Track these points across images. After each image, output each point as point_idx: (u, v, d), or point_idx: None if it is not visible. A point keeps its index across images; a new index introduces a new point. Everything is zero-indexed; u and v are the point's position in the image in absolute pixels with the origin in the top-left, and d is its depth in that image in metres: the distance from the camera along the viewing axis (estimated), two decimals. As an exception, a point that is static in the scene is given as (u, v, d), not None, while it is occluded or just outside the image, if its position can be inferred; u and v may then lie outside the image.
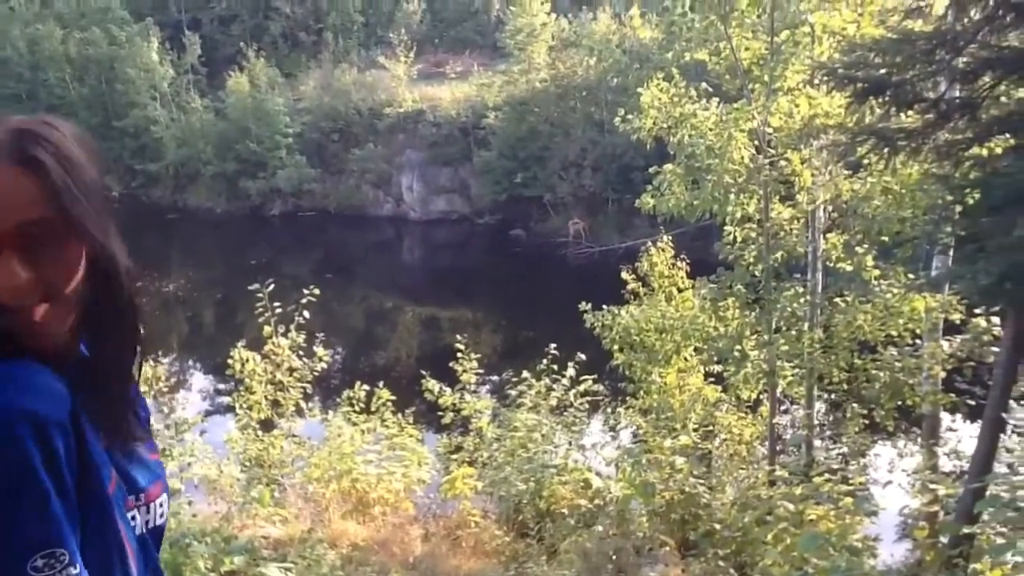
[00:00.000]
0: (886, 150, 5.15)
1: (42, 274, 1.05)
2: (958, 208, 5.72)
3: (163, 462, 1.31)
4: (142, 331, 1.21)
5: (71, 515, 1.04)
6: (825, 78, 5.30)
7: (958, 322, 8.09)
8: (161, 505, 1.26)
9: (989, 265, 4.82)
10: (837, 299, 8.44)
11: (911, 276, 7.98)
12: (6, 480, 0.99)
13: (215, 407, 17.03)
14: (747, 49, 8.26)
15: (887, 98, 4.98)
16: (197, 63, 41.17)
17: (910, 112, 5.36)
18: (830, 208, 8.62)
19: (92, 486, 1.09)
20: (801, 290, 8.48)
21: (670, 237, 10.73)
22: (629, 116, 8.87)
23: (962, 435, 9.54)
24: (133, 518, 1.19)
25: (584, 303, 9.99)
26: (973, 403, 8.25)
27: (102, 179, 1.14)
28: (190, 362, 24.32)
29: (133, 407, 1.25)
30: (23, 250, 1.03)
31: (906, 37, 4.97)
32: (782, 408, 9.57)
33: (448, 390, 9.24)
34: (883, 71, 5.01)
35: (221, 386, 18.77)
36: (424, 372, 9.45)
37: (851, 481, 6.58)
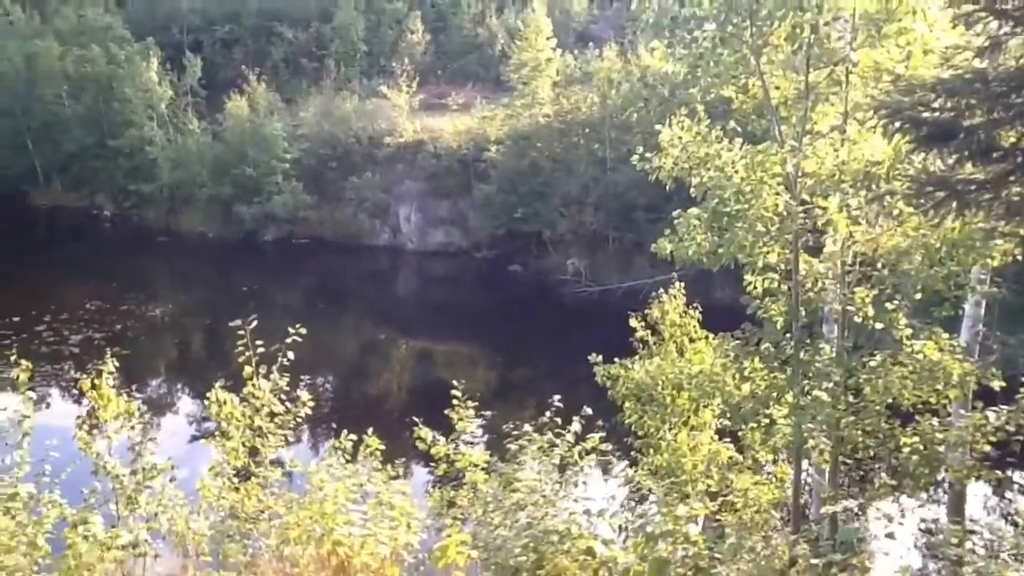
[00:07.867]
0: (954, 203, 4.57)
1: None
2: None
3: None
4: None
5: None
6: (886, 118, 4.73)
7: (997, 389, 7.53)
8: None
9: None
10: (866, 359, 7.80)
11: (951, 339, 7.37)
12: None
13: (202, 434, 16.39)
14: (777, 88, 7.69)
15: (958, 144, 4.40)
16: (197, 85, 41.03)
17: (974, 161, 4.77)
18: (859, 261, 8.00)
19: None
20: (827, 348, 7.84)
21: (681, 284, 10.15)
22: (647, 155, 8.26)
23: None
24: None
25: (593, 354, 9.37)
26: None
27: None
28: (177, 387, 23.71)
29: None
30: None
31: (979, 78, 4.41)
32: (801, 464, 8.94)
33: (442, 439, 8.55)
34: (952, 114, 4.44)
35: (207, 415, 18.17)
36: (416, 414, 8.75)
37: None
